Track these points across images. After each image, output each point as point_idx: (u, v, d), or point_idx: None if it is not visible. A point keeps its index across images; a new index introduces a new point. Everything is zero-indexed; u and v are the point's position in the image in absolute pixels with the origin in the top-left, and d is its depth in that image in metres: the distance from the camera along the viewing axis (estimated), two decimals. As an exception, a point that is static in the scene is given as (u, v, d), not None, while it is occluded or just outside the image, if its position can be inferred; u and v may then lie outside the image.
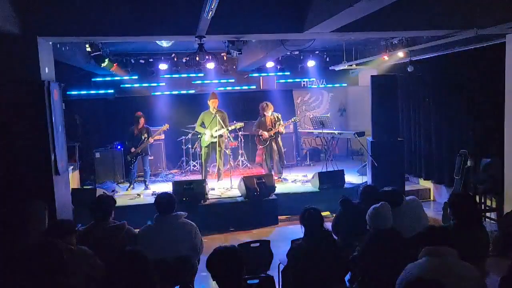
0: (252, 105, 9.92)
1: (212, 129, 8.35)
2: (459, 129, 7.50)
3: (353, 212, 4.41)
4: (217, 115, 8.27)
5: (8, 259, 3.70)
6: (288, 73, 10.81)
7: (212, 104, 8.38)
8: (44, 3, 5.03)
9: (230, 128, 8.58)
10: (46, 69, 5.36)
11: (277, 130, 8.66)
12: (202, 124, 8.51)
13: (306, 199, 7.65)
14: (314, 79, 11.17)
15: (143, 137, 8.50)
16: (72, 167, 7.86)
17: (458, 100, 7.48)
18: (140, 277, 2.62)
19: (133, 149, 8.48)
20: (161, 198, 4.28)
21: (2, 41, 4.96)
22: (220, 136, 8.37)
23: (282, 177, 8.90)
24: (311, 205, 3.84)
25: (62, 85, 5.89)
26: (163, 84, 10.35)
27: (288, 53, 9.39)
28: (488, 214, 6.76)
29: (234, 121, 9.34)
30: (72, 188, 6.75)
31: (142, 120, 8.54)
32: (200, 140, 8.54)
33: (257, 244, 4.35)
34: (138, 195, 8.08)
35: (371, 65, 9.38)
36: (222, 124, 8.28)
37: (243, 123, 9.04)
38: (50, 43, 5.59)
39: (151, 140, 8.60)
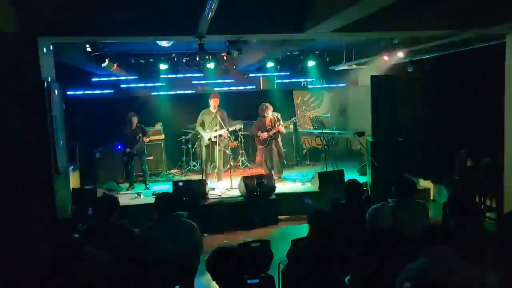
0: (252, 105, 9.92)
1: (212, 129, 8.35)
2: (459, 129, 7.50)
3: (342, 212, 4.41)
4: (217, 114, 8.26)
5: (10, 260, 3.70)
6: (288, 73, 10.81)
7: (214, 103, 8.35)
8: (44, 3, 5.03)
9: (230, 129, 8.57)
10: (46, 69, 5.36)
11: (276, 130, 8.66)
12: (202, 124, 8.49)
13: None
14: (314, 79, 11.18)
15: (137, 137, 8.45)
16: (72, 167, 7.85)
17: (458, 100, 7.48)
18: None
19: (128, 149, 8.45)
20: (161, 198, 4.28)
21: (2, 41, 4.96)
22: (220, 135, 8.37)
23: (282, 177, 8.91)
24: (320, 207, 3.82)
25: (62, 85, 5.89)
26: (163, 84, 10.35)
27: (288, 53, 9.40)
28: (488, 214, 6.76)
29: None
30: (72, 188, 6.75)
31: (135, 120, 8.47)
32: (201, 140, 8.53)
33: (257, 244, 4.35)
34: (138, 195, 8.08)
35: (371, 65, 9.38)
36: (222, 124, 8.27)
37: (241, 125, 9.02)
38: (50, 43, 5.59)
39: (145, 139, 8.56)
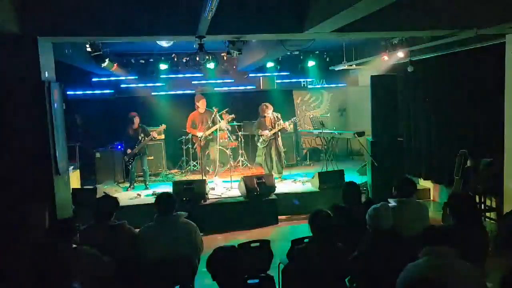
0: (252, 105, 9.94)
1: (204, 130, 8.45)
2: (459, 129, 7.49)
3: (344, 215, 4.41)
4: (207, 115, 8.46)
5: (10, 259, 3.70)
6: (288, 73, 10.82)
7: (202, 104, 8.47)
8: (44, 3, 5.03)
9: (222, 124, 8.60)
10: (46, 69, 5.36)
11: (277, 130, 8.65)
12: (193, 125, 8.61)
13: (306, 199, 7.66)
14: (314, 79, 11.18)
15: (139, 137, 8.44)
16: (72, 167, 7.85)
17: (458, 100, 7.47)
18: None
19: (129, 150, 8.43)
20: (161, 198, 4.28)
21: (2, 41, 4.96)
22: (212, 133, 8.47)
23: (282, 177, 8.91)
24: (320, 208, 3.78)
25: (62, 85, 5.89)
26: (163, 84, 10.36)
27: (288, 53, 9.40)
28: (488, 214, 6.76)
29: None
30: (72, 188, 6.75)
31: (136, 120, 8.46)
32: (199, 140, 8.55)
33: (257, 244, 4.35)
34: (138, 195, 8.08)
35: (371, 65, 9.38)
36: (210, 123, 8.43)
37: (233, 115, 9.00)
38: (50, 43, 5.59)
39: (148, 139, 8.56)
